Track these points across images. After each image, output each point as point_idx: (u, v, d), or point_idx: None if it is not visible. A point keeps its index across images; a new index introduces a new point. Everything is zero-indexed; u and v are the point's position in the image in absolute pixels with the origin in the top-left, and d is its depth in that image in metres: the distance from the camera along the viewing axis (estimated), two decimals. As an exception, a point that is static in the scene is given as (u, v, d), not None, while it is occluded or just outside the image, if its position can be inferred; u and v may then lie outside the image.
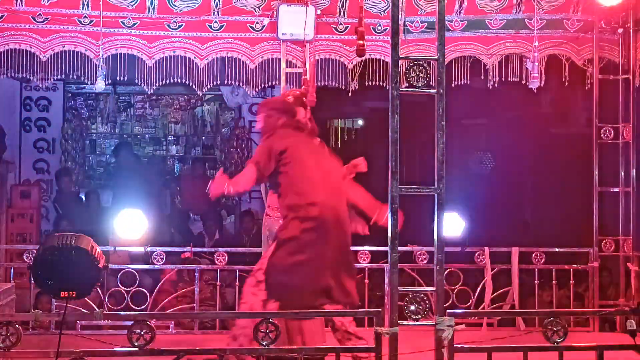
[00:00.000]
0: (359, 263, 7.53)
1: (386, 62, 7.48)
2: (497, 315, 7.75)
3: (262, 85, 7.71)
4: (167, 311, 7.20)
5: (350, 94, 7.71)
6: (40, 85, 7.79)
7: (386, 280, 7.28)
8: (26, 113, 12.32)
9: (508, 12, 7.56)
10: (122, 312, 6.27)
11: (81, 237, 4.36)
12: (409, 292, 4.49)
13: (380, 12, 7.51)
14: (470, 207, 8.97)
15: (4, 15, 7.27)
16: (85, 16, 7.32)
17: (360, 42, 6.17)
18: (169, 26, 7.42)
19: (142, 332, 4.12)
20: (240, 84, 7.72)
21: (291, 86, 7.59)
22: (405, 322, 4.44)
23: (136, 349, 4.12)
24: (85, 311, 6.16)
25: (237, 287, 7.46)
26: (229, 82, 7.78)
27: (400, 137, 4.48)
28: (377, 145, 11.88)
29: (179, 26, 7.43)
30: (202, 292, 7.60)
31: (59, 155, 12.31)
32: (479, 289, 7.67)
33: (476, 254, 7.72)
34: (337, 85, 7.64)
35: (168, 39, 7.43)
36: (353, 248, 7.53)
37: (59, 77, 7.73)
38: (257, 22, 7.48)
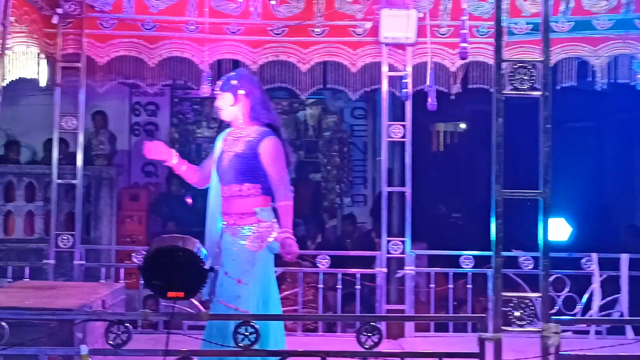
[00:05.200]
0: (462, 268, 7.47)
1: (489, 65, 7.39)
2: (605, 323, 7.54)
3: (364, 89, 7.73)
4: (274, 314, 7.27)
5: (452, 97, 7.65)
6: (148, 90, 8.01)
7: (489, 285, 7.18)
8: (135, 118, 12.67)
9: (616, 12, 7.35)
10: (227, 313, 6.38)
11: (188, 239, 4.45)
12: (513, 298, 4.42)
13: (483, 15, 7.42)
14: (576, 212, 8.77)
15: (114, 23, 7.51)
16: (191, 23, 7.49)
17: (463, 44, 6.11)
18: (272, 31, 7.52)
19: (247, 333, 4.18)
20: (342, 88, 7.76)
21: (393, 90, 7.59)
22: (509, 328, 4.38)
23: (241, 349, 4.18)
24: (192, 312, 6.30)
25: (339, 290, 7.50)
26: (331, 86, 7.83)
27: (504, 140, 4.43)
28: (481, 149, 11.73)
29: (282, 31, 7.52)
30: (304, 295, 7.67)
31: (167, 159, 12.59)
32: (586, 296, 7.49)
33: (583, 260, 7.54)
34: (439, 88, 7.59)
35: (271, 44, 7.53)
36: (458, 252, 7.52)
37: (167, 82, 7.94)
38: (359, 26, 7.51)
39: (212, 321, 5.16)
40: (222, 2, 7.47)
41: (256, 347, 4.21)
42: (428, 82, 7.18)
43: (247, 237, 5.27)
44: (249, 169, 5.31)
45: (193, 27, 7.50)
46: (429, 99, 7.13)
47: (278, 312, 5.41)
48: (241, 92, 5.39)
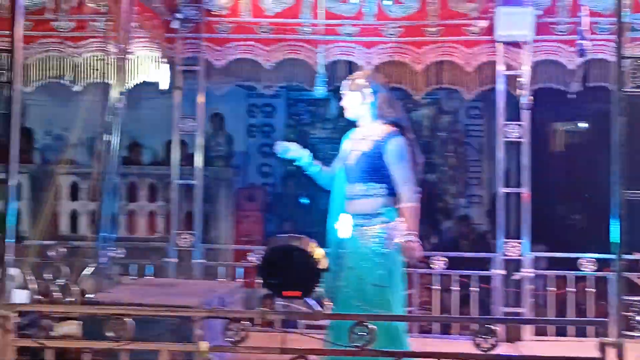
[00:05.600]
0: (582, 270, 7.28)
1: (610, 62, 7.17)
2: None
3: (479, 89, 7.63)
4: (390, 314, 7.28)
5: (572, 96, 7.46)
6: (264, 92, 8.13)
7: (610, 289, 6.97)
8: (251, 119, 12.89)
9: None
10: (342, 313, 6.41)
11: (304, 239, 4.51)
12: (635, 302, 4.28)
13: (603, 11, 7.20)
14: None
15: (232, 26, 7.67)
16: (306, 25, 7.57)
17: (582, 42, 5.96)
18: (386, 32, 7.52)
19: (363, 333, 4.19)
20: (457, 88, 7.68)
21: (509, 89, 7.47)
22: (631, 333, 4.24)
23: (357, 349, 4.19)
24: (307, 310, 6.36)
25: (454, 292, 7.43)
26: (446, 85, 7.77)
27: (625, 139, 4.29)
28: (602, 148, 11.38)
29: (397, 32, 7.51)
30: (419, 295, 7.63)
31: (282, 159, 12.76)
32: None
33: None
34: (557, 86, 7.42)
35: (385, 45, 7.53)
36: (578, 254, 7.33)
37: (282, 84, 8.05)
38: (474, 25, 7.42)
39: (338, 323, 5.17)
40: (336, 4, 7.52)
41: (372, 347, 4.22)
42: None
43: (375, 238, 5.24)
44: (374, 168, 5.30)
45: (308, 29, 7.58)
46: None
47: (401, 312, 5.37)
48: (367, 90, 5.39)
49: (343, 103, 5.53)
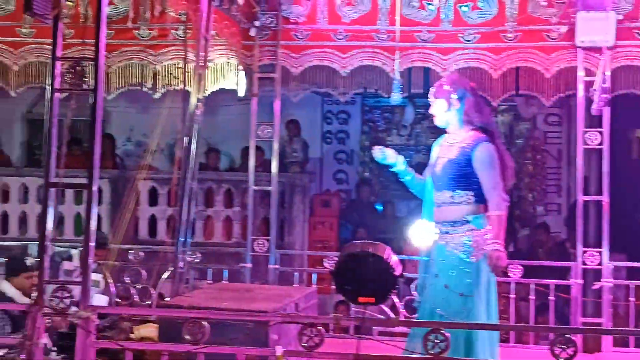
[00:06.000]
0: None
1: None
2: None
3: (558, 95, 7.51)
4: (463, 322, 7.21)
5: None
6: (340, 99, 8.15)
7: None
8: (327, 126, 12.94)
9: None
10: (417, 320, 6.38)
11: (378, 245, 4.50)
12: None
13: (687, 15, 7.03)
14: None
15: (308, 34, 7.72)
16: (382, 32, 7.56)
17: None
18: (463, 38, 7.46)
19: (437, 341, 4.16)
20: (535, 94, 7.57)
21: (589, 95, 7.33)
22: None
23: (431, 356, 4.17)
24: (382, 317, 6.35)
25: (532, 301, 7.32)
26: (523, 92, 7.66)
27: None
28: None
29: (474, 38, 7.45)
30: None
31: (357, 166, 12.79)
32: None
33: None
34: (638, 92, 7.25)
35: (463, 51, 7.47)
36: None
37: (358, 91, 8.05)
38: (553, 31, 7.31)
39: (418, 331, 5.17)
40: (413, 11, 7.50)
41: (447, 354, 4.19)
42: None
43: (461, 246, 5.20)
44: (461, 175, 5.25)
45: (384, 36, 7.57)
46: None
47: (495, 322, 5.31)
48: (454, 96, 5.34)
49: (431, 111, 5.49)
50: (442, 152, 5.39)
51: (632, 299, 7.28)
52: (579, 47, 7.15)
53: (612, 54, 7.14)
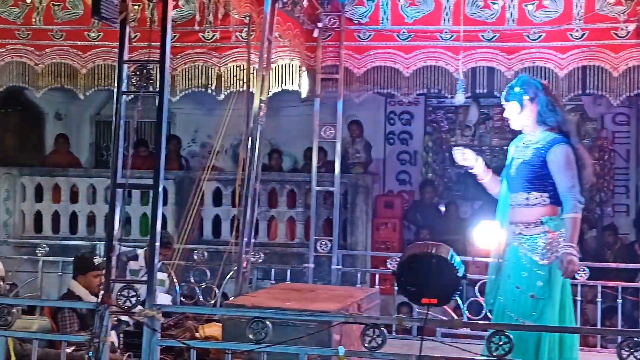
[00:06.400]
0: None
1: None
2: None
3: (627, 94, 7.37)
4: (524, 324, 7.13)
5: None
6: (403, 99, 8.12)
7: None
8: (390, 127, 12.89)
9: None
10: (480, 322, 6.33)
11: (441, 246, 4.47)
12: None
13: None
14: None
15: (371, 34, 7.71)
16: (446, 31, 7.52)
17: None
18: (528, 37, 7.37)
19: (501, 343, 4.12)
20: (602, 93, 7.44)
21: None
22: None
23: (494, 358, 4.13)
24: (445, 318, 6.31)
25: (598, 303, 7.19)
26: (590, 91, 7.54)
27: None
28: None
29: (539, 36, 7.35)
30: (561, 306, 7.42)
31: (420, 167, 12.73)
32: None
33: None
34: None
35: (527, 50, 7.38)
36: None
37: (421, 91, 8.02)
38: (621, 29, 7.17)
39: None
40: (477, 10, 7.43)
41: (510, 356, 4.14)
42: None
43: (535, 248, 5.15)
44: (536, 177, 5.18)
45: (448, 36, 7.52)
46: None
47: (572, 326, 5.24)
48: (525, 97, 5.28)
49: (505, 114, 5.44)
50: (517, 153, 5.33)
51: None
52: (648, 45, 7.01)
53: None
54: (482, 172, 5.53)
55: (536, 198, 5.17)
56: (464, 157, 5.48)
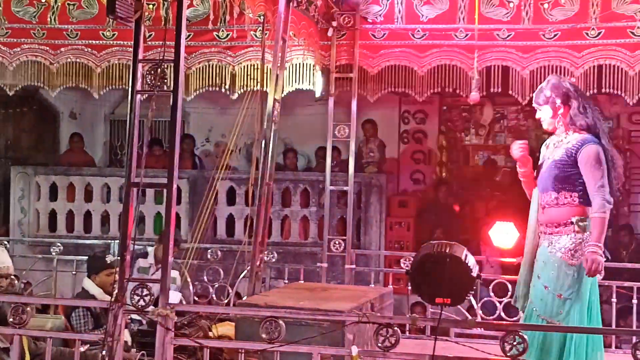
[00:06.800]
0: None
1: None
2: None
3: (643, 93, 7.34)
4: (539, 324, 7.10)
5: None
6: (417, 98, 8.10)
7: None
8: (404, 126, 12.86)
9: None
10: (494, 322, 6.31)
11: (455, 245, 4.45)
12: None
13: None
14: None
15: (386, 33, 7.70)
16: (460, 30, 7.50)
17: None
18: (543, 36, 7.34)
19: (515, 343, 4.10)
20: (619, 92, 7.40)
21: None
22: None
23: (509, 358, 4.11)
24: (459, 318, 6.29)
25: (613, 303, 7.15)
26: (606, 90, 7.49)
27: None
28: None
29: (554, 35, 7.32)
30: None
31: (434, 166, 12.69)
32: None
33: None
34: None
35: (543, 49, 7.35)
36: None
37: (435, 90, 8.00)
38: (637, 27, 7.12)
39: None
40: (493, 8, 7.41)
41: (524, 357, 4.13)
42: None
43: (564, 248, 5.14)
44: (566, 176, 5.18)
45: (463, 34, 7.50)
46: None
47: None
48: (557, 101, 5.29)
49: (537, 116, 5.42)
50: (549, 153, 5.33)
51: None
52: (665, 43, 6.97)
53: None
54: (524, 172, 5.48)
55: (565, 198, 5.17)
56: (522, 150, 5.42)
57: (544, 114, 5.34)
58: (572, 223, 5.13)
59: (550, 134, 5.43)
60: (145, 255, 7.60)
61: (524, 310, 5.32)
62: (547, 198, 5.25)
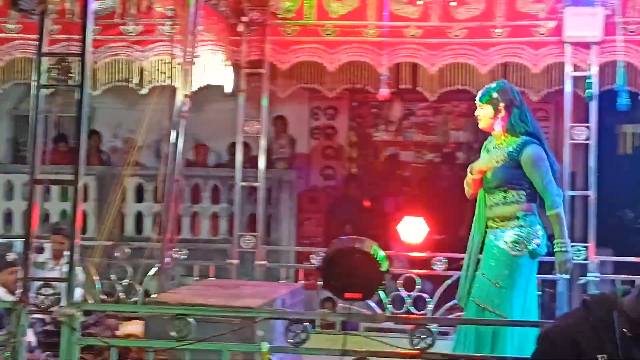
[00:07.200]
0: None
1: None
2: None
3: (546, 90, 7.52)
4: (448, 317, 7.22)
5: (642, 97, 7.30)
6: (328, 94, 8.13)
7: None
8: (314, 122, 12.89)
9: None
10: (403, 315, 6.38)
11: (365, 241, 4.49)
12: None
13: (675, 10, 7.03)
14: None
15: (296, 29, 7.70)
16: (370, 27, 7.55)
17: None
18: (451, 34, 7.45)
19: (423, 336, 4.16)
20: (523, 89, 7.57)
21: (577, 90, 7.34)
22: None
23: (417, 352, 4.16)
24: (368, 313, 6.34)
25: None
26: (512, 87, 7.66)
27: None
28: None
29: (462, 33, 7.43)
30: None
31: (345, 162, 12.76)
32: None
33: None
34: (628, 88, 7.26)
35: (450, 47, 7.46)
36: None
37: (346, 86, 8.04)
38: (541, 26, 7.30)
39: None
40: (402, 6, 7.48)
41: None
42: (618, 82, 6.89)
43: (507, 240, 5.28)
44: (512, 177, 5.34)
45: (372, 31, 7.55)
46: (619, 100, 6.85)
47: (534, 318, 5.35)
48: (501, 105, 5.39)
49: (477, 113, 5.51)
50: (490, 156, 5.48)
51: (619, 294, 7.28)
52: (567, 43, 7.15)
53: (599, 49, 7.15)
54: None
55: (513, 196, 5.35)
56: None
57: (484, 112, 5.45)
58: (517, 218, 5.29)
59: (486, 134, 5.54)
60: (41, 250, 7.39)
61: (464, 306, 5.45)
62: (494, 198, 5.41)
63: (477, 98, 5.54)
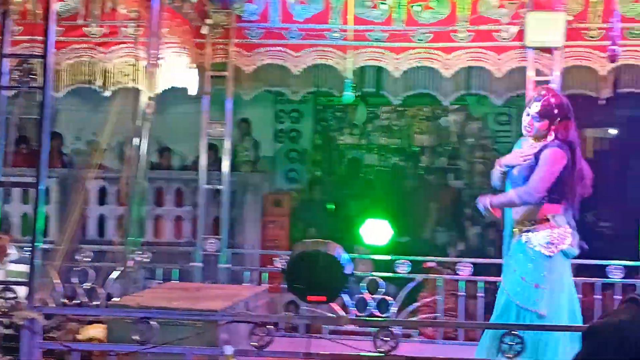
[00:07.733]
0: (610, 277, 7.21)
1: (642, 68, 7.11)
2: None
3: (509, 94, 7.59)
4: (411, 319, 7.26)
5: (602, 102, 7.39)
6: (292, 98, 8.12)
7: None
8: (279, 125, 12.91)
9: None
10: (367, 318, 6.40)
11: (329, 244, 4.50)
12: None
13: (635, 16, 7.13)
14: None
15: (261, 32, 7.69)
16: (335, 31, 7.56)
17: (613, 47, 5.88)
18: (415, 37, 7.49)
19: (387, 339, 4.18)
20: (486, 94, 7.64)
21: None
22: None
23: (381, 354, 4.18)
24: (332, 315, 6.35)
25: (480, 298, 7.37)
26: (475, 91, 7.72)
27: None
28: (633, 155, 11.28)
29: (426, 37, 7.48)
30: (444, 302, 7.58)
31: (309, 165, 12.78)
32: None
33: None
34: (587, 93, 7.36)
35: (414, 50, 7.50)
36: (606, 262, 7.26)
37: (310, 89, 8.05)
38: (504, 31, 7.36)
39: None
40: (366, 10, 7.51)
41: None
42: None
43: (541, 242, 5.33)
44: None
45: (337, 35, 7.57)
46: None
47: (576, 317, 5.44)
48: (557, 120, 5.35)
49: (526, 122, 5.44)
50: (519, 154, 5.49)
51: (579, 295, 7.36)
52: (529, 48, 7.22)
53: (561, 54, 7.22)
54: None
55: (543, 198, 5.35)
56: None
57: (537, 123, 5.40)
58: (547, 220, 5.34)
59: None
60: None
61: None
62: None
63: (533, 110, 5.42)
